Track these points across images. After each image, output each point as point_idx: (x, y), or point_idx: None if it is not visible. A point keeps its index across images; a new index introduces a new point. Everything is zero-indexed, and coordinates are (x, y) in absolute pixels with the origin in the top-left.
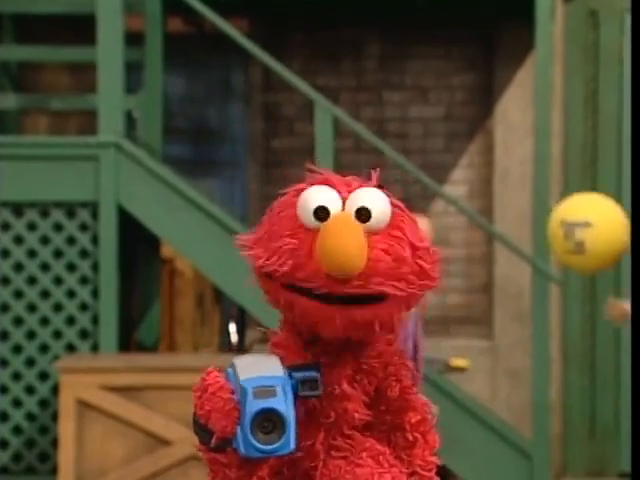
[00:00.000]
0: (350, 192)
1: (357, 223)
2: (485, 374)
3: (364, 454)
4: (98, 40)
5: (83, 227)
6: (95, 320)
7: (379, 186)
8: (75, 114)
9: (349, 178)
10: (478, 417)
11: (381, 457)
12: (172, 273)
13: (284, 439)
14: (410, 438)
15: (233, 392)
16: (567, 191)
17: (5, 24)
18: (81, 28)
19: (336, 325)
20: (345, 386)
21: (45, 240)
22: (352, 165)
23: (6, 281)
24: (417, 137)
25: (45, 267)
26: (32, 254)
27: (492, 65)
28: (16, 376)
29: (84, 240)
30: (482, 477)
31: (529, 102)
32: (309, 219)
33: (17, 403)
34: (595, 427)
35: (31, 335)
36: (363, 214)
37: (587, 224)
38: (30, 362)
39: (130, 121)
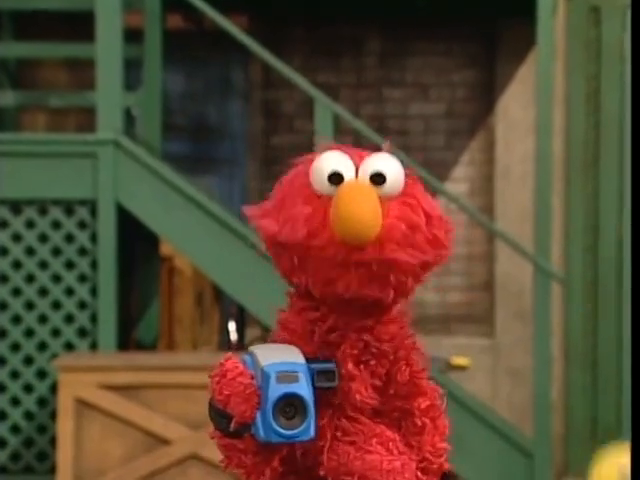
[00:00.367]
0: (363, 158)
1: (372, 189)
2: (486, 373)
3: (374, 440)
4: (97, 37)
5: (82, 225)
6: (94, 318)
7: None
8: (74, 111)
9: (359, 149)
10: (479, 416)
11: (391, 444)
12: (171, 271)
13: (305, 425)
14: (419, 423)
15: (253, 377)
16: (569, 188)
17: (3, 21)
18: (80, 25)
19: (351, 278)
20: (350, 366)
21: (43, 238)
22: None
23: (4, 279)
24: (418, 134)
25: (43, 265)
26: (30, 252)
27: (493, 62)
28: (14, 374)
29: (83, 238)
30: (483, 476)
31: (530, 99)
32: (323, 185)
33: (15, 402)
34: (597, 426)
35: (29, 333)
36: (377, 179)
37: None
38: (28, 360)
39: (129, 118)
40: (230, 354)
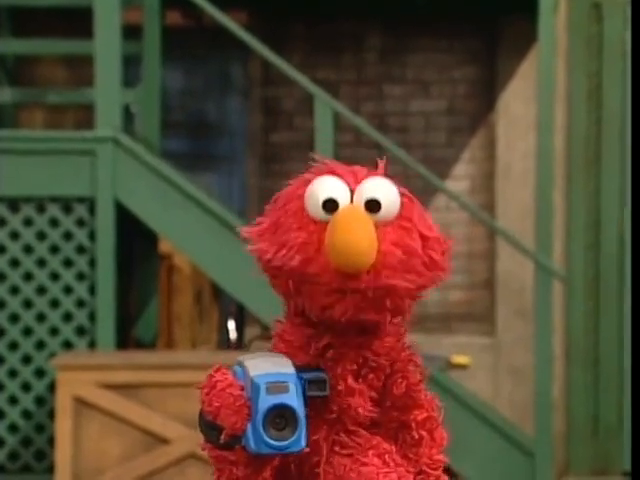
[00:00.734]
0: (358, 183)
1: (367, 216)
2: (487, 371)
3: (370, 452)
4: (95, 33)
5: (80, 223)
6: (92, 317)
7: (385, 175)
8: (72, 108)
9: (354, 168)
10: (480, 415)
11: (387, 456)
12: (170, 269)
13: (296, 436)
14: (416, 436)
15: (242, 389)
16: (570, 186)
17: (1, 17)
18: (78, 21)
19: (347, 304)
20: (350, 381)
21: (41, 236)
22: (352, 160)
23: (2, 277)
24: (418, 131)
25: (41, 263)
26: (28, 250)
27: (494, 58)
28: (12, 373)
29: (81, 236)
30: (484, 475)
31: (532, 95)
32: (318, 212)
33: (13, 401)
34: (598, 425)
35: (27, 332)
36: (373, 206)
37: None
38: (26, 359)
39: (128, 115)
40: (219, 365)
